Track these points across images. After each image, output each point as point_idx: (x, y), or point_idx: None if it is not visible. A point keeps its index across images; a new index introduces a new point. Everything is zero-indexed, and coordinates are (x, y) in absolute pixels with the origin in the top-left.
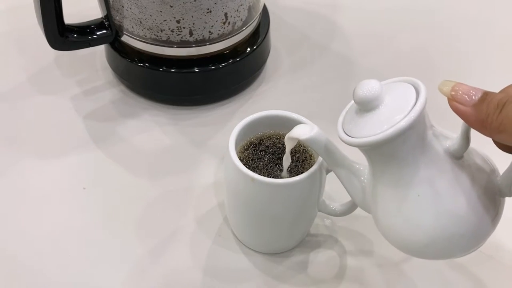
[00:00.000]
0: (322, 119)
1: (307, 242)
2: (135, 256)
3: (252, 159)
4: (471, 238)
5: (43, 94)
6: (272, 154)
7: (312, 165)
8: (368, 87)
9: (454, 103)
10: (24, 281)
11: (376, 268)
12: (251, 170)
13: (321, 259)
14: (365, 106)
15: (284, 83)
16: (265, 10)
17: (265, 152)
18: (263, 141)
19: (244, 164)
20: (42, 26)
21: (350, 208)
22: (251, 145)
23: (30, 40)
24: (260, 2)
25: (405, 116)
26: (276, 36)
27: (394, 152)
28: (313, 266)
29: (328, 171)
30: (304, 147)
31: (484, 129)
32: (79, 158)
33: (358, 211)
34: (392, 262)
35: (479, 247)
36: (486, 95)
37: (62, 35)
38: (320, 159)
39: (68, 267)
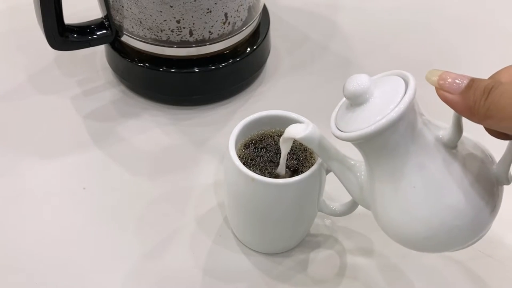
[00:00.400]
0: (322, 119)
1: (307, 242)
2: (135, 256)
3: (252, 158)
4: (470, 229)
5: (43, 94)
6: (273, 151)
7: (312, 164)
8: (357, 81)
9: (442, 92)
10: (24, 281)
11: (376, 268)
12: (252, 168)
13: (321, 259)
14: (355, 100)
15: (284, 83)
16: (265, 10)
17: (266, 149)
18: (264, 138)
19: (244, 162)
20: (42, 26)
21: (350, 208)
22: (252, 142)
23: (30, 40)
24: (260, 2)
25: (395, 107)
26: (276, 36)
27: (386, 144)
28: (313, 266)
29: (328, 171)
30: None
31: (472, 116)
32: (79, 158)
33: (358, 211)
34: (392, 261)
35: (480, 238)
36: (472, 81)
37: (62, 35)
38: (319, 159)
39: (68, 267)
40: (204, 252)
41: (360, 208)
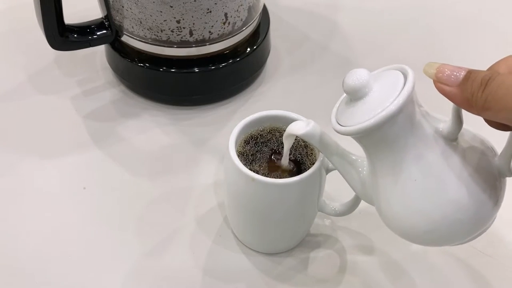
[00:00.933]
0: (322, 119)
1: (307, 242)
2: (135, 256)
3: (253, 153)
4: (472, 223)
5: (43, 94)
6: (274, 147)
7: (313, 160)
8: (357, 75)
9: (440, 84)
10: (24, 280)
11: (376, 267)
12: (253, 164)
13: (321, 259)
14: (355, 95)
15: (284, 83)
16: (265, 10)
17: (266, 145)
18: (264, 134)
19: (245, 159)
20: (42, 26)
21: (351, 208)
22: (252, 138)
23: (30, 40)
24: (260, 2)
25: (394, 100)
26: (276, 36)
27: (386, 137)
28: (313, 266)
29: (328, 171)
30: (305, 141)
31: (470, 108)
32: (79, 158)
33: (358, 210)
34: (392, 261)
35: (484, 231)
36: (470, 73)
37: (62, 35)
38: (320, 159)
39: (68, 267)
40: (204, 252)
41: (360, 207)
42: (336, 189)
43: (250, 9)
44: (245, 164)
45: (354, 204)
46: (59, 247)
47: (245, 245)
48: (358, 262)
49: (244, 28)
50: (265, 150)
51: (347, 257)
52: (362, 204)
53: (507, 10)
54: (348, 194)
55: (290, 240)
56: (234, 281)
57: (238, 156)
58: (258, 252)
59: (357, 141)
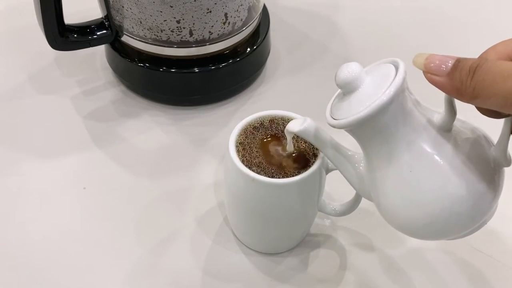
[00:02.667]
0: (322, 118)
1: (307, 242)
2: (135, 256)
3: (253, 145)
4: (471, 214)
5: (43, 94)
6: (274, 136)
7: (316, 151)
8: (348, 69)
9: (429, 74)
10: (24, 281)
11: (376, 268)
12: (253, 156)
13: (321, 259)
14: (347, 88)
15: (284, 83)
16: (265, 10)
17: (267, 135)
18: (264, 124)
19: (246, 151)
20: (42, 26)
21: (350, 208)
22: (253, 128)
23: (30, 40)
24: (260, 2)
25: (385, 91)
26: (276, 36)
27: (379, 128)
28: (313, 266)
29: (328, 171)
30: None
31: (461, 96)
32: (79, 158)
33: (358, 210)
34: (392, 261)
35: (483, 223)
36: (458, 62)
37: (62, 35)
38: (319, 159)
39: (67, 267)
40: (204, 252)
41: (360, 207)
42: (336, 189)
43: (250, 9)
44: (245, 156)
45: (354, 204)
46: (59, 247)
47: (245, 245)
48: (358, 262)
49: (244, 28)
50: (266, 140)
51: (347, 257)
52: (362, 203)
53: (505, 9)
54: (348, 194)
55: (290, 240)
56: (234, 281)
57: (239, 147)
58: (258, 252)
59: (352, 135)
